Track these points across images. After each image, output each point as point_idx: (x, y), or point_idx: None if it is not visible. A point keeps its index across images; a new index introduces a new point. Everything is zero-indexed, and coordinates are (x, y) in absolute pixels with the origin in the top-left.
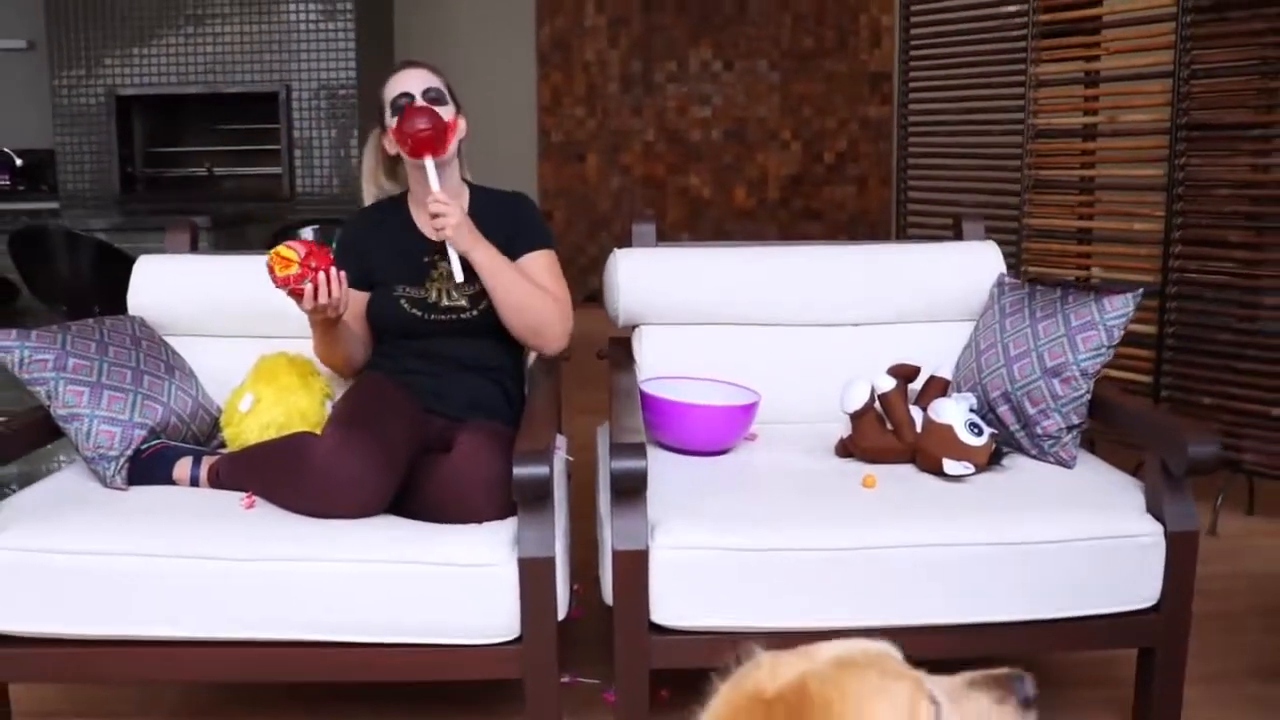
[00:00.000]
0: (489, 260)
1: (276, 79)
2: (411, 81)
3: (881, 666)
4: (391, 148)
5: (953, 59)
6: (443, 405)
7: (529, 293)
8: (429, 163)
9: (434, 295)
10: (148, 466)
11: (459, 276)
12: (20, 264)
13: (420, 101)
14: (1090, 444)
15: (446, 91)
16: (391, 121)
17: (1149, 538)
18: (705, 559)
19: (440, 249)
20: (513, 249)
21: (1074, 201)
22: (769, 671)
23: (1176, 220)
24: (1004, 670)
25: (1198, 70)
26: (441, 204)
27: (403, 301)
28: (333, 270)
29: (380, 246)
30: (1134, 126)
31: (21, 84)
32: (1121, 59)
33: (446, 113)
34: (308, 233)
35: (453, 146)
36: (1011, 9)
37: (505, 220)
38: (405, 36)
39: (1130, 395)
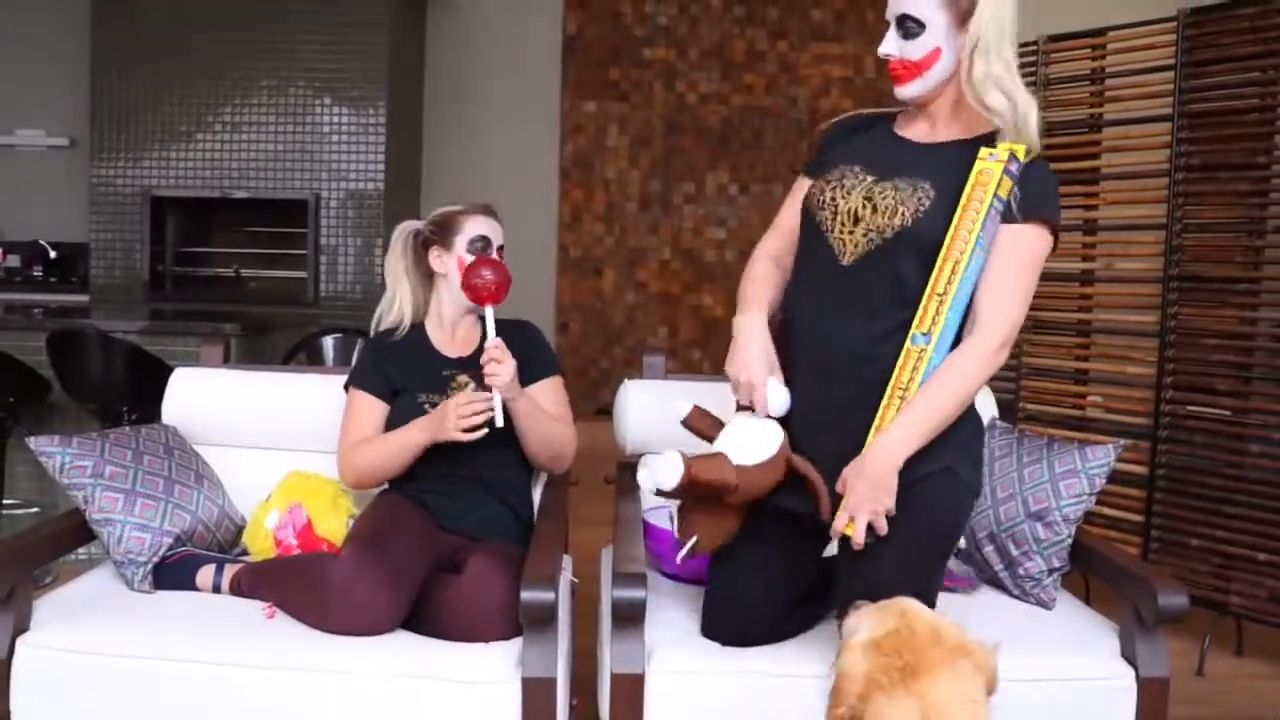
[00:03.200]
0: (528, 405)
1: (306, 186)
2: (492, 230)
3: None
4: (439, 265)
5: None
6: (457, 524)
7: (552, 427)
8: (489, 311)
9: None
10: (172, 572)
11: (500, 422)
12: (56, 363)
13: (494, 253)
14: (1085, 584)
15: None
16: (460, 251)
17: (1121, 680)
18: (700, 684)
19: (459, 365)
20: (527, 372)
21: (1071, 343)
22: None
23: (1168, 366)
24: None
25: (1189, 225)
26: (501, 353)
27: (426, 407)
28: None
29: (401, 360)
30: (1129, 274)
31: (60, 179)
32: (1118, 210)
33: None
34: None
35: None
36: None
37: (518, 348)
38: (433, 150)
39: (1116, 539)
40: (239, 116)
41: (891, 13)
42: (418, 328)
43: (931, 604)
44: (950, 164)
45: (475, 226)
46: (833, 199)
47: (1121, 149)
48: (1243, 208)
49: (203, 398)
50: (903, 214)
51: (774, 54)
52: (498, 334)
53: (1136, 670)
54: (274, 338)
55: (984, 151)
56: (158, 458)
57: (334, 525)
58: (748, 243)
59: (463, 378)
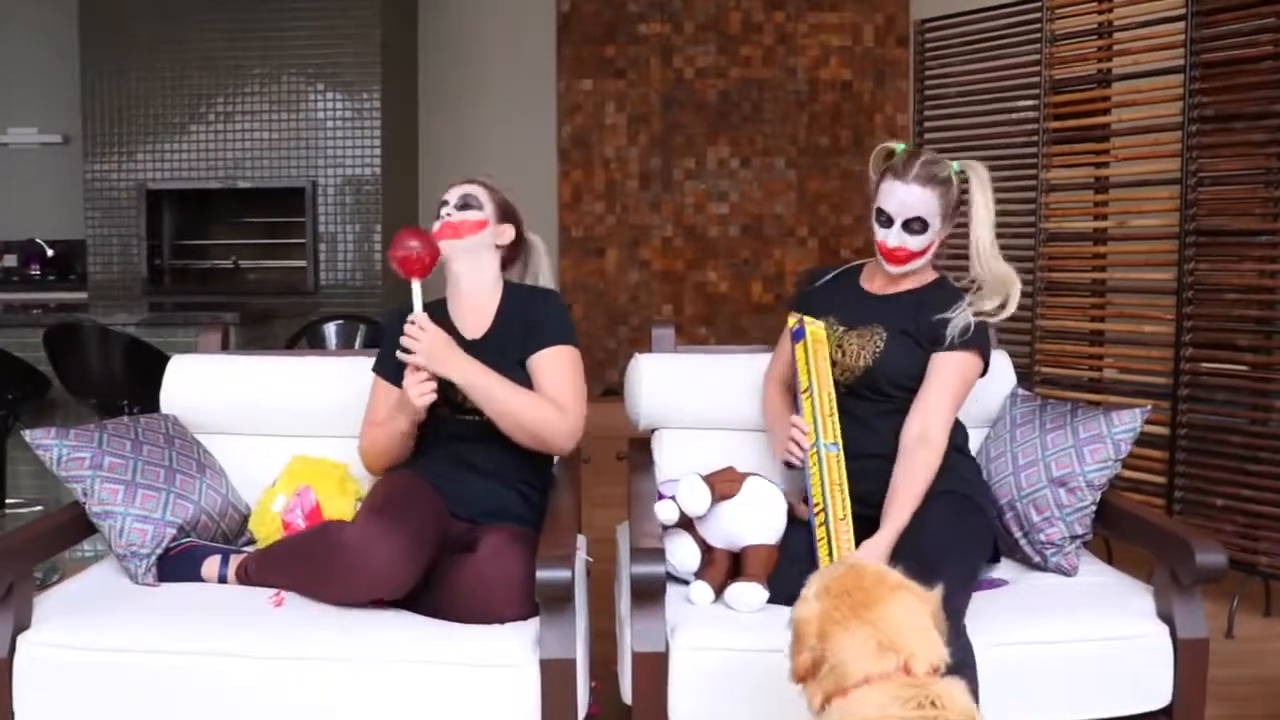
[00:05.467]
0: (467, 379)
1: (303, 174)
2: (452, 191)
3: None
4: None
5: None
6: (465, 509)
7: (521, 405)
8: (415, 285)
9: (460, 397)
10: (176, 564)
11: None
12: (54, 358)
13: (453, 210)
14: (1108, 549)
15: (485, 198)
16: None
17: (1156, 638)
18: (724, 660)
19: (472, 346)
20: (529, 342)
21: (1086, 304)
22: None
23: (1187, 323)
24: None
25: (1204, 178)
26: (417, 330)
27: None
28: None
29: None
30: (1143, 231)
31: (55, 176)
32: (1130, 166)
33: (473, 214)
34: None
35: (468, 247)
36: (1025, 104)
37: (528, 313)
38: (429, 134)
39: (1139, 502)
40: (232, 106)
41: (898, 216)
42: (441, 304)
43: (974, 569)
44: (902, 309)
45: (450, 195)
46: None
47: (1132, 104)
48: (1260, 157)
49: (202, 385)
50: (864, 357)
51: (771, 25)
52: (513, 298)
53: (1174, 632)
54: (275, 327)
55: (808, 321)
56: (158, 447)
57: (342, 507)
58: (750, 216)
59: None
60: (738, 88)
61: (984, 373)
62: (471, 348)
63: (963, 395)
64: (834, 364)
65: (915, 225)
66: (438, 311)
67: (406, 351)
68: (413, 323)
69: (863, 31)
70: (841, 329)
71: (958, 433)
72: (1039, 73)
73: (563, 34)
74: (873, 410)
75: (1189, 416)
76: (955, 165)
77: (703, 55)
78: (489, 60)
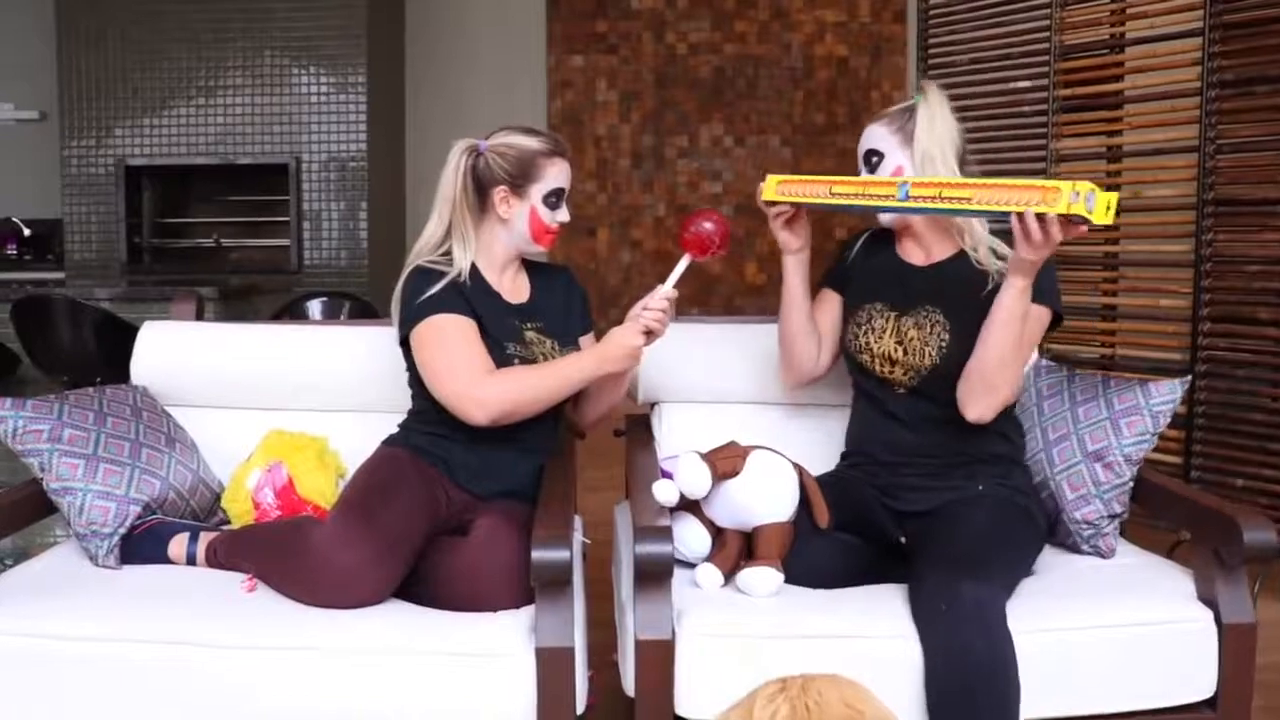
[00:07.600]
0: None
1: (286, 150)
2: (569, 178)
3: None
4: (505, 210)
5: (972, 134)
6: (478, 485)
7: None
8: (686, 260)
9: (539, 357)
10: (141, 544)
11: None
12: (22, 333)
13: (564, 204)
14: (1121, 528)
15: None
16: (535, 200)
17: (1199, 624)
18: (735, 647)
19: (519, 313)
20: (578, 322)
21: (1098, 278)
22: None
23: (1204, 297)
24: None
25: (1224, 145)
26: (669, 306)
27: (516, 361)
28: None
29: (474, 300)
30: (1159, 202)
31: (31, 154)
32: (1144, 134)
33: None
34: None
35: None
36: (1025, 84)
37: (566, 295)
38: (416, 110)
39: (1174, 478)
40: (214, 81)
41: (860, 154)
42: (475, 272)
43: (1017, 573)
44: (952, 282)
45: (556, 177)
46: (866, 343)
47: (1147, 69)
48: None
49: (175, 354)
50: (929, 354)
51: (765, 0)
52: (545, 279)
53: (1218, 616)
54: (256, 304)
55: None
56: (123, 419)
57: (320, 483)
58: (744, 196)
59: (531, 333)
60: (732, 64)
61: (1056, 323)
62: (517, 313)
63: (1027, 345)
64: (894, 363)
65: (873, 159)
66: (475, 279)
67: (648, 331)
68: (673, 299)
69: (859, 6)
70: (894, 315)
71: (1014, 445)
72: (1049, 39)
73: (553, 9)
74: (936, 413)
75: (1207, 394)
76: (916, 96)
77: (696, 31)
78: (477, 35)
